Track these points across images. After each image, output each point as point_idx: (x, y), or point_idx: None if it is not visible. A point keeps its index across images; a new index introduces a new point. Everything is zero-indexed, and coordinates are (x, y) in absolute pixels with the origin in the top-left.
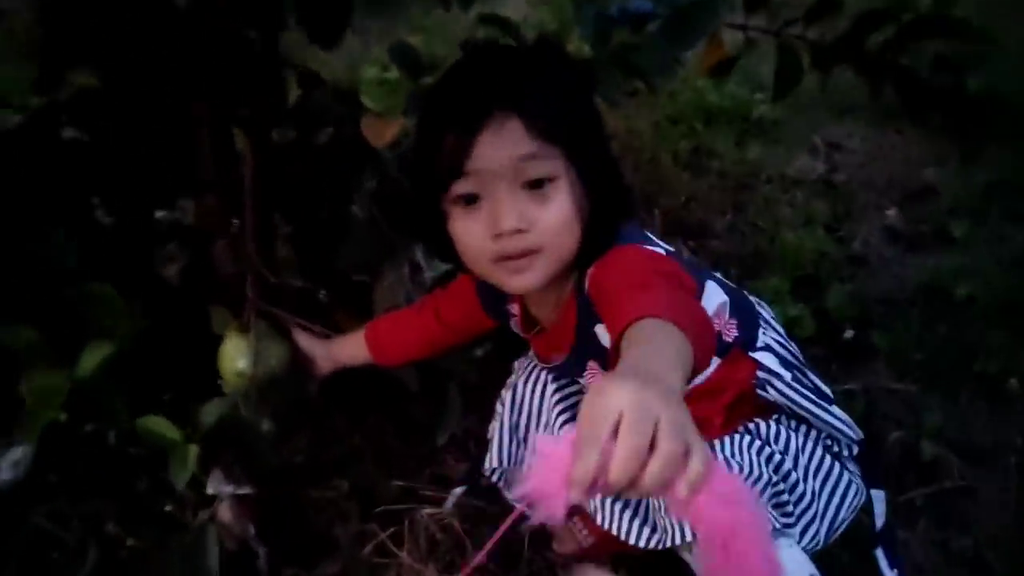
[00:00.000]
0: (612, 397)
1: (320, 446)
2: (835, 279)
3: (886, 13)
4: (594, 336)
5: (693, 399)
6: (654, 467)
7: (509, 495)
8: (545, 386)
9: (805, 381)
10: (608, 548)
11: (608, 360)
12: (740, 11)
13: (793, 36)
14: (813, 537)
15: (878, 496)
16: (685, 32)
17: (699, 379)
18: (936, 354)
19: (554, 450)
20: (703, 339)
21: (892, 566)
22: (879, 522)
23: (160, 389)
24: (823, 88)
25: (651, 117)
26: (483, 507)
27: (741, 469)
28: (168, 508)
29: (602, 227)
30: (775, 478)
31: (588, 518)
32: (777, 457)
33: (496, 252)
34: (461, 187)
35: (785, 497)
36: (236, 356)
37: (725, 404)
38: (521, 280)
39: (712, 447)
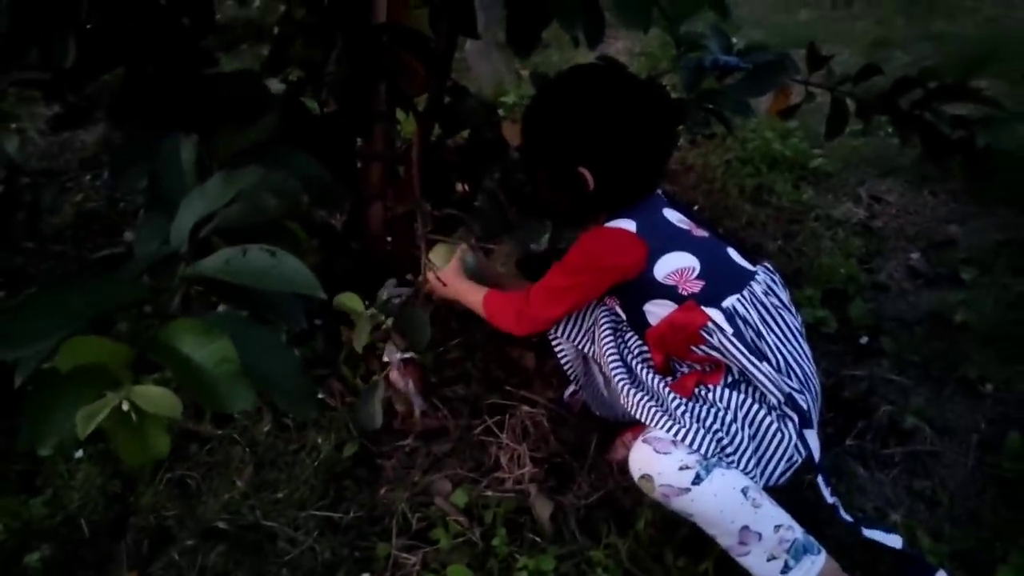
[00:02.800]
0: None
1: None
2: (859, 297)
3: (917, 79)
4: None
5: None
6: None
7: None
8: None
9: (747, 340)
10: None
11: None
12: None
13: (843, 91)
14: (749, 473)
15: (811, 434)
16: (761, 83)
17: (662, 315)
18: (930, 359)
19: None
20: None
21: (827, 485)
22: (817, 455)
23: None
24: (864, 132)
25: (724, 157)
26: (564, 413)
27: (696, 431)
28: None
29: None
30: (720, 431)
31: (636, 431)
32: (722, 413)
33: None
34: None
35: (725, 442)
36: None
37: (661, 331)
38: None
39: (684, 413)
